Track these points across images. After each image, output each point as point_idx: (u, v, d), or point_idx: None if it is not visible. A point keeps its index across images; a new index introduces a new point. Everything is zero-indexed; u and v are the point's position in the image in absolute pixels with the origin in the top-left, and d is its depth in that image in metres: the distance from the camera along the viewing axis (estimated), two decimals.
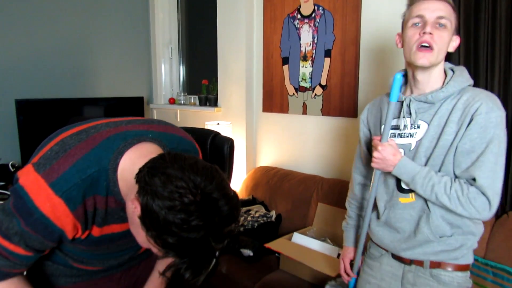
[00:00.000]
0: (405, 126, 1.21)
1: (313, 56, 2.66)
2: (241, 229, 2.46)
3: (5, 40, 2.96)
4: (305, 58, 2.71)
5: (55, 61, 3.24)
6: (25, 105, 2.84)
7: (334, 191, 2.41)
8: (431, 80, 1.19)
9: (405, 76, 1.26)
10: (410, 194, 1.21)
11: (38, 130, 2.88)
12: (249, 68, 3.05)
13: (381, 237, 1.30)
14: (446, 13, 1.13)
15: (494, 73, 1.81)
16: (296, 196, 2.60)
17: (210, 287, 1.15)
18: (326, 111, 2.64)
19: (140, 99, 3.56)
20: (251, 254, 2.22)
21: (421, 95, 1.18)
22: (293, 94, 2.82)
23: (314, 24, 2.63)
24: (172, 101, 3.80)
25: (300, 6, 2.70)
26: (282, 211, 2.62)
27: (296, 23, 2.74)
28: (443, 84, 1.18)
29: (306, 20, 2.68)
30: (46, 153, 0.88)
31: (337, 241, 2.19)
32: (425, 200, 1.17)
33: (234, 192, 0.80)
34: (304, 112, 2.76)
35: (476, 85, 1.87)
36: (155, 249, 0.78)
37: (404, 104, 1.21)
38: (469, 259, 1.20)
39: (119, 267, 1.14)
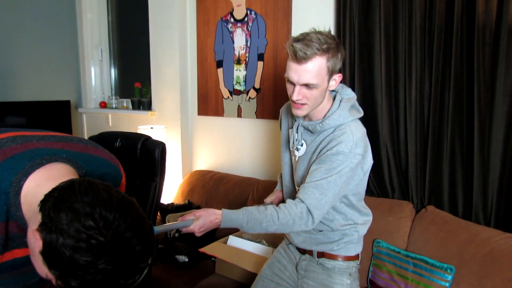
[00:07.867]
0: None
1: (247, 60, 2.69)
2: (177, 235, 2.40)
3: None
4: (239, 62, 2.73)
5: None
6: None
7: (269, 192, 2.42)
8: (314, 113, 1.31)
9: None
10: None
11: None
12: (183, 71, 3.00)
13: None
14: (312, 76, 1.14)
15: (411, 76, 1.94)
16: (232, 199, 2.59)
17: None
18: (260, 114, 2.67)
19: (67, 103, 3.36)
20: (186, 260, 2.17)
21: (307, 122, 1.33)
22: (228, 97, 2.82)
23: (247, 28, 2.66)
24: (103, 105, 3.62)
25: (233, 10, 2.72)
26: None
27: (229, 27, 2.75)
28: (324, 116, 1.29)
29: (239, 24, 2.70)
30: None
31: (272, 242, 2.22)
32: None
33: (150, 226, 0.74)
34: (239, 115, 2.78)
35: (396, 87, 2.02)
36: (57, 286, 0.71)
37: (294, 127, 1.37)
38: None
39: None
